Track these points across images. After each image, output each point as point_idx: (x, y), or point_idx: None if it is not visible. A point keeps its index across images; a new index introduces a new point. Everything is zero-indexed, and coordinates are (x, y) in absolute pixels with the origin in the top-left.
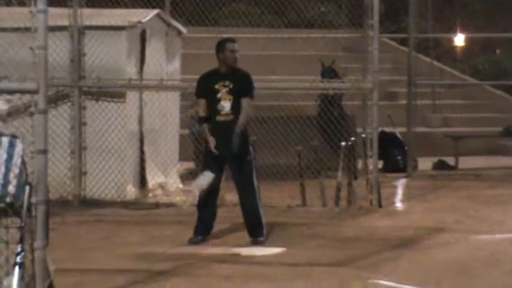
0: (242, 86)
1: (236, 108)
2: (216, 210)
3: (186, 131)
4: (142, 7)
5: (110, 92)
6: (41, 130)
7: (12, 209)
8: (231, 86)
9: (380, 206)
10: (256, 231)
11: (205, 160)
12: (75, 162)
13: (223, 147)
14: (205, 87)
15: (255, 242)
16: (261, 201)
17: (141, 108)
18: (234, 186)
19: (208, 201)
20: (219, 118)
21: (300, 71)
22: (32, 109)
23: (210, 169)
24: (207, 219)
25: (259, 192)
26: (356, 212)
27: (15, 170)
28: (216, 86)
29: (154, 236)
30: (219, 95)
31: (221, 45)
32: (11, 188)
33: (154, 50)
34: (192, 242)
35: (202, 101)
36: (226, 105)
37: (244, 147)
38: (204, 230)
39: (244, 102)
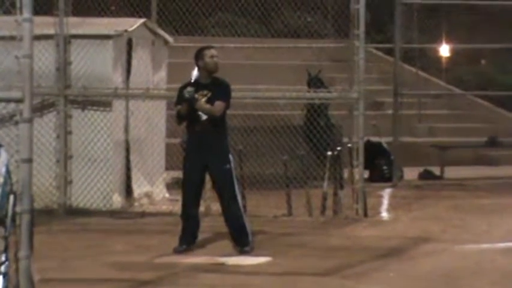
0: (219, 94)
1: (213, 117)
2: (199, 219)
3: (173, 140)
4: (128, 16)
5: (95, 101)
6: (26, 139)
7: None
8: (209, 95)
9: (366, 215)
10: (241, 241)
11: (186, 170)
12: (60, 171)
13: (201, 156)
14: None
15: (241, 252)
16: (246, 210)
17: (127, 117)
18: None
19: (191, 211)
20: (197, 127)
21: (286, 80)
22: (17, 118)
23: (190, 183)
24: (191, 228)
25: (244, 201)
26: (342, 222)
27: None
28: (195, 96)
29: (139, 245)
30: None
31: (200, 53)
32: None
33: (141, 59)
34: (177, 251)
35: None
36: (204, 114)
37: (223, 156)
38: (188, 239)
39: (216, 103)
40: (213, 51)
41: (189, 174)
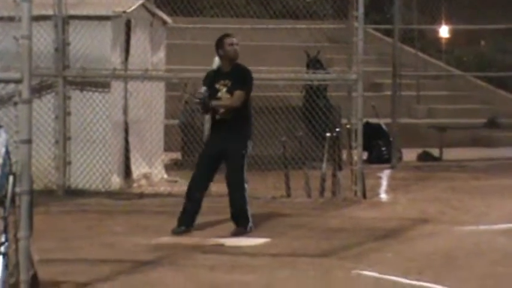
0: (239, 82)
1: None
2: (201, 203)
3: (171, 121)
4: None
5: (94, 82)
6: (25, 120)
7: None
8: (229, 85)
9: (364, 197)
10: (239, 223)
11: (202, 153)
12: (59, 152)
13: (220, 142)
14: (209, 85)
15: (237, 231)
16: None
17: (125, 98)
18: (220, 178)
19: (196, 194)
20: (217, 117)
21: (285, 61)
22: (16, 99)
23: (203, 165)
24: (191, 210)
25: (248, 186)
26: (340, 203)
27: None
28: (217, 86)
29: (138, 226)
30: (219, 94)
31: (220, 42)
32: None
33: (139, 40)
34: (175, 232)
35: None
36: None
37: (242, 140)
38: (188, 220)
39: (235, 92)
40: (232, 39)
41: (205, 158)
